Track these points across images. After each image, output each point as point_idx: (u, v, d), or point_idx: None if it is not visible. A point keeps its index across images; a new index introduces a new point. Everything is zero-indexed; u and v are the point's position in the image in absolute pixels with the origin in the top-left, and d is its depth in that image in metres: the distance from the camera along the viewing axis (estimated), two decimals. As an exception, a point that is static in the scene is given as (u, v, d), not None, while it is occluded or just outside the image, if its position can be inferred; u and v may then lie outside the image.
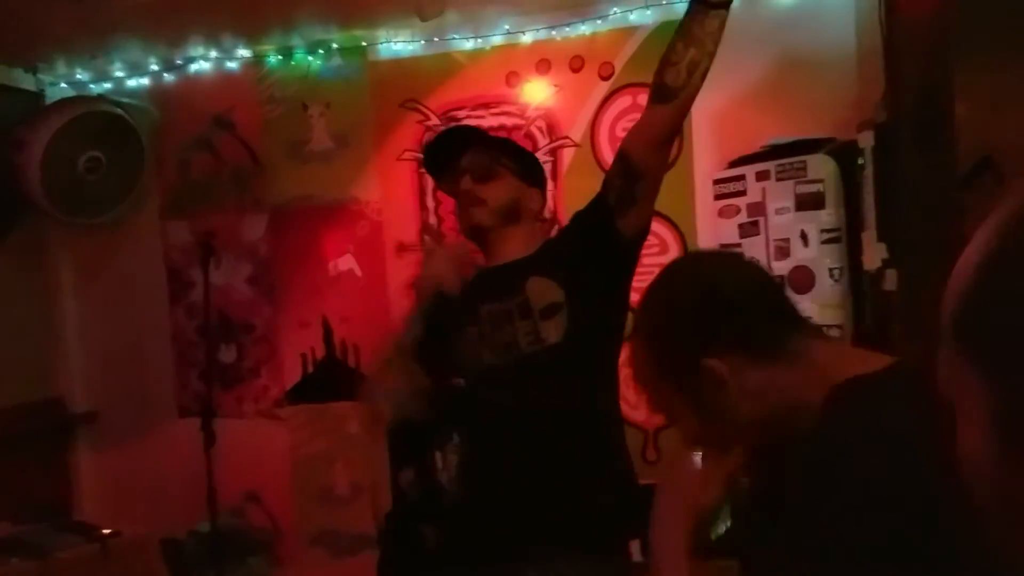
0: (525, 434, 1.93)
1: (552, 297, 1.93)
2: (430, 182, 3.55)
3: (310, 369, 3.73)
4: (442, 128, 2.27)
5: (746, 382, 1.03)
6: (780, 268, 2.72)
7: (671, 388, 1.10)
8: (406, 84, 3.55)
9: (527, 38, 3.41)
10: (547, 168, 3.42)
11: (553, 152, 3.44)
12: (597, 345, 1.98)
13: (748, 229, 2.81)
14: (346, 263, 3.68)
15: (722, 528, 2.48)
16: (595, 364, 1.99)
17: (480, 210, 2.03)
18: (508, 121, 3.47)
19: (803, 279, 2.68)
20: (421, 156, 2.27)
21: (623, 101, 3.36)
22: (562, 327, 1.91)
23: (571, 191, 3.43)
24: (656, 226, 3.32)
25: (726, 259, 1.20)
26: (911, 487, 0.85)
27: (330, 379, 3.67)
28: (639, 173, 1.91)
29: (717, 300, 1.09)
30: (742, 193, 2.83)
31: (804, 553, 0.93)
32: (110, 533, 3.07)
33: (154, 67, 3.72)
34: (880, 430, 0.91)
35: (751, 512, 1.16)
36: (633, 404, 3.35)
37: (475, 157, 2.07)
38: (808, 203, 2.68)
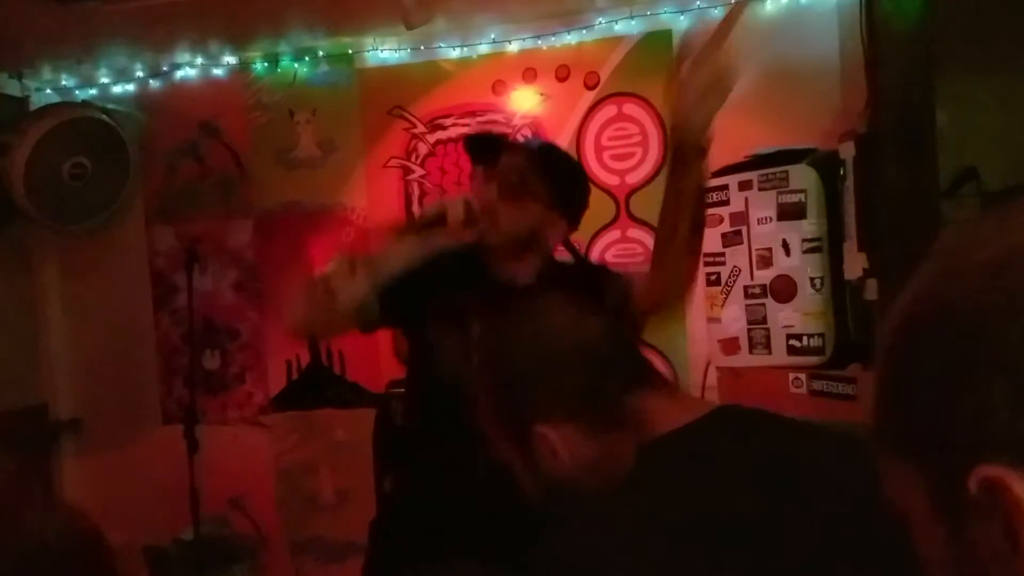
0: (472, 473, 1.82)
1: None
2: (416, 189, 3.57)
3: (295, 376, 3.73)
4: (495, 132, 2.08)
5: (577, 451, 1.05)
6: (762, 277, 2.74)
7: (507, 442, 1.11)
8: (393, 92, 3.56)
9: (514, 47, 3.42)
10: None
11: (539, 160, 3.45)
12: None
13: (731, 238, 2.82)
14: (332, 270, 3.67)
15: None
16: None
17: (490, 229, 1.87)
18: (494, 129, 3.47)
19: (785, 288, 2.70)
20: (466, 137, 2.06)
21: (609, 110, 3.38)
22: None
23: (557, 199, 3.44)
24: (641, 234, 3.36)
25: (564, 313, 1.14)
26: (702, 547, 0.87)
27: (315, 386, 3.67)
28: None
29: (550, 369, 1.08)
30: (725, 203, 2.84)
31: None
32: (92, 540, 3.05)
33: (140, 73, 3.71)
34: (676, 490, 0.93)
35: None
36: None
37: (509, 167, 1.90)
38: (790, 213, 2.69)
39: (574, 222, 2.01)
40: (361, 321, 1.93)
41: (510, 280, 1.92)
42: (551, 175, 1.92)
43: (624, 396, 1.06)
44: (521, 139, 1.98)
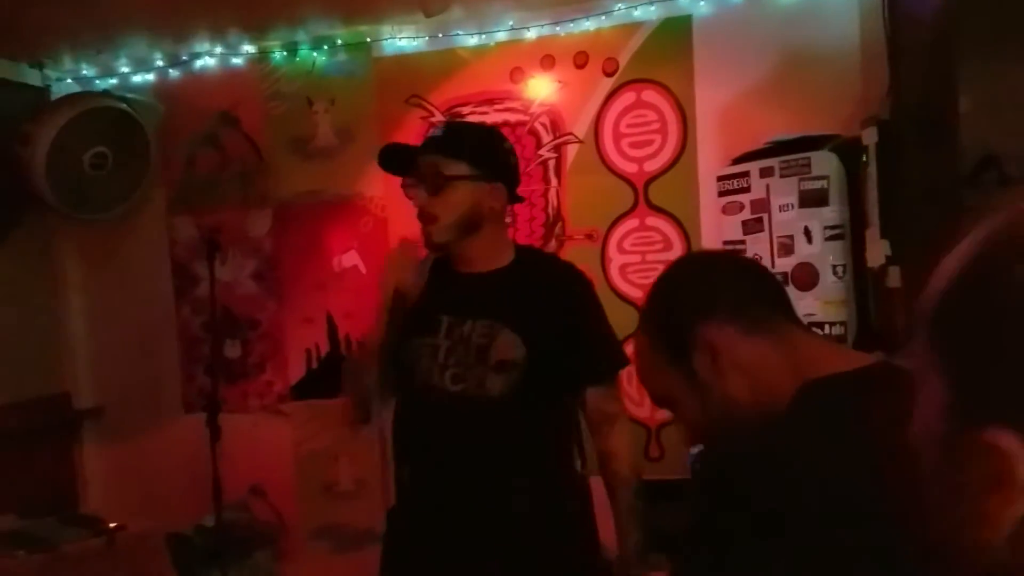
0: (463, 471, 1.94)
1: (513, 355, 1.90)
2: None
3: (314, 365, 3.74)
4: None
5: (737, 355, 1.05)
6: (783, 265, 2.72)
7: (667, 365, 1.11)
8: (410, 80, 3.56)
9: (531, 34, 3.41)
10: (550, 164, 3.44)
11: (557, 148, 3.44)
12: (542, 406, 1.95)
13: (752, 226, 2.81)
14: (350, 259, 3.69)
15: None
16: (535, 423, 1.95)
17: (433, 228, 1.95)
18: (512, 117, 3.47)
19: (806, 276, 2.68)
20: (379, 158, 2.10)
21: (627, 97, 3.36)
22: (509, 384, 1.90)
23: (575, 187, 3.44)
24: (660, 223, 3.35)
25: (726, 251, 1.24)
26: (866, 495, 0.84)
27: (334, 375, 3.68)
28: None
29: (714, 275, 1.14)
30: (746, 190, 2.83)
31: (746, 549, 0.94)
32: (116, 527, 3.08)
33: (159, 63, 3.73)
34: (840, 433, 0.92)
35: (694, 503, 1.18)
36: (636, 401, 3.37)
37: (425, 165, 1.96)
38: (812, 200, 2.68)
39: (509, 183, 2.05)
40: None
41: (476, 267, 2.00)
42: (461, 151, 1.96)
43: (781, 318, 1.09)
44: (429, 133, 2.05)
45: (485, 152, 2.01)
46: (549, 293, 1.98)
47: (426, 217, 1.95)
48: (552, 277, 2.03)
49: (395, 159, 2.07)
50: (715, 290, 1.11)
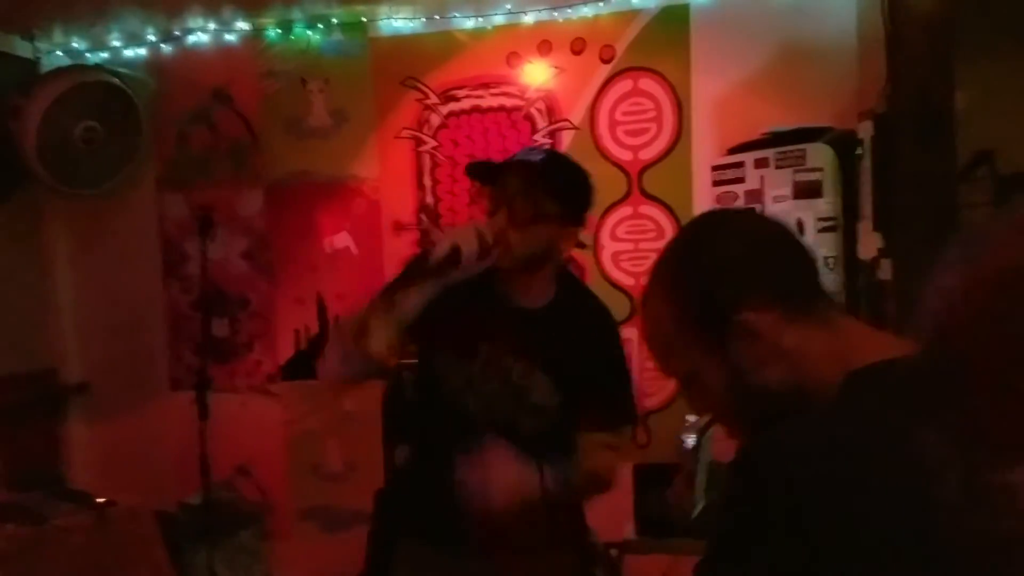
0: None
1: (549, 402, 1.90)
2: (428, 161, 3.56)
3: (304, 345, 3.74)
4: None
5: (779, 342, 0.97)
6: (776, 256, 2.73)
7: (693, 341, 1.02)
8: (406, 61, 3.54)
9: (529, 19, 3.39)
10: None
11: (552, 134, 3.44)
12: (563, 434, 1.93)
13: (745, 216, 2.82)
14: (342, 240, 3.67)
15: (700, 507, 2.52)
16: (554, 447, 1.92)
17: (503, 253, 1.87)
18: (508, 102, 3.46)
19: (799, 267, 2.70)
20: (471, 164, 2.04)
21: (624, 85, 3.36)
22: (540, 427, 1.90)
23: (569, 174, 3.43)
24: (653, 211, 3.35)
25: (760, 217, 1.10)
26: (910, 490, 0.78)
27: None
28: None
29: (760, 252, 1.01)
30: (740, 180, 2.84)
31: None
32: (105, 502, 3.08)
33: (152, 38, 3.69)
34: (890, 429, 0.84)
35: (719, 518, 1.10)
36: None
37: (521, 196, 1.87)
38: (806, 191, 2.69)
39: (583, 225, 2.00)
40: (391, 359, 1.94)
41: (522, 301, 1.95)
42: (560, 191, 1.90)
43: (822, 300, 1.00)
44: (525, 153, 1.97)
45: (579, 196, 1.96)
46: (585, 342, 1.95)
47: (501, 240, 1.87)
48: (589, 322, 2.00)
49: (483, 168, 2.03)
50: (762, 270, 1.00)
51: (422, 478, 2.01)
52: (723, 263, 1.01)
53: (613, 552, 3.15)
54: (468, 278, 1.90)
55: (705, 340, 1.00)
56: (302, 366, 3.72)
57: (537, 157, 2.01)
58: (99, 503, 3.07)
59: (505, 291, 1.95)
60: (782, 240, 1.04)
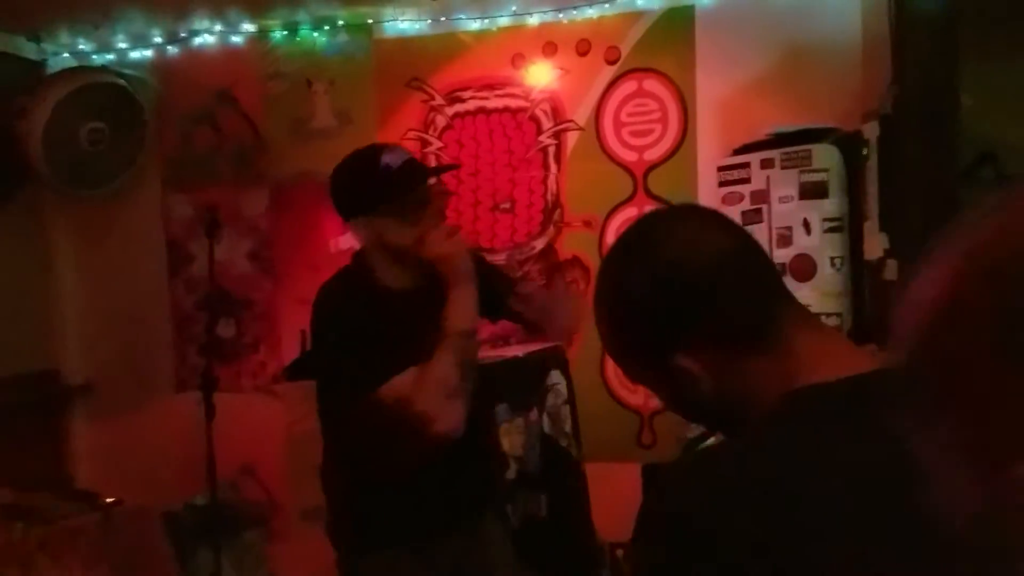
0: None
1: None
2: (433, 162, 3.56)
3: (308, 346, 3.73)
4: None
5: (721, 377, 0.91)
6: (782, 256, 2.75)
7: (642, 370, 0.99)
8: (411, 63, 3.55)
9: (534, 20, 3.40)
10: (550, 151, 3.44)
11: (557, 135, 3.45)
12: None
13: (751, 216, 2.82)
14: (346, 241, 3.67)
15: None
16: None
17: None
18: (512, 103, 3.47)
19: (804, 267, 2.71)
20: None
21: (628, 86, 3.36)
22: None
23: (574, 175, 3.44)
24: (658, 211, 3.35)
25: (688, 225, 0.97)
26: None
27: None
28: None
29: (678, 287, 0.91)
30: (746, 181, 2.85)
31: None
32: (112, 502, 3.08)
33: (158, 39, 3.69)
34: (812, 458, 0.81)
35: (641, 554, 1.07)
36: (631, 388, 3.39)
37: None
38: (812, 192, 2.70)
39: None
40: None
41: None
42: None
43: (769, 317, 0.91)
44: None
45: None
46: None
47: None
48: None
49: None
50: (681, 309, 0.91)
51: None
52: (653, 304, 0.93)
53: (618, 552, 3.16)
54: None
55: (648, 367, 0.96)
56: (306, 367, 3.71)
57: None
58: (106, 503, 3.07)
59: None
60: (725, 263, 0.93)
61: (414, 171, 2.05)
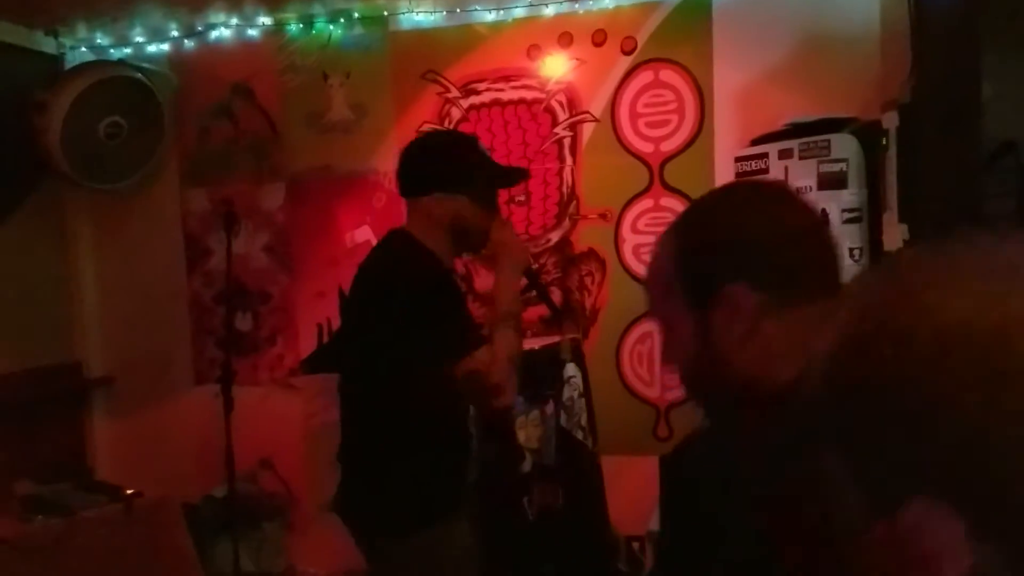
0: None
1: None
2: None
3: (325, 339, 3.75)
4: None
5: (759, 323, 0.96)
6: (799, 247, 2.72)
7: (679, 302, 1.02)
8: (426, 55, 3.54)
9: (549, 11, 3.39)
10: (566, 143, 3.43)
11: (573, 127, 3.43)
12: None
13: (768, 208, 2.80)
14: (363, 234, 3.68)
15: None
16: None
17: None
18: (528, 94, 3.46)
19: (822, 259, 2.68)
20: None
21: (645, 76, 3.34)
22: None
23: (590, 166, 3.43)
24: (675, 203, 3.33)
25: (792, 202, 1.05)
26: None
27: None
28: None
29: (774, 238, 0.99)
30: (764, 171, 2.82)
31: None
32: (133, 493, 3.11)
33: (175, 33, 3.71)
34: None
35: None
36: (647, 382, 3.38)
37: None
38: (830, 182, 2.67)
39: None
40: None
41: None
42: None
43: (820, 289, 0.96)
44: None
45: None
46: None
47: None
48: None
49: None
50: (768, 254, 0.98)
51: None
52: (733, 236, 1.01)
53: (635, 545, 3.16)
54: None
55: (691, 297, 1.01)
56: (323, 360, 3.73)
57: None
58: (127, 494, 3.10)
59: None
60: (802, 231, 1.01)
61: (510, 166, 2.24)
